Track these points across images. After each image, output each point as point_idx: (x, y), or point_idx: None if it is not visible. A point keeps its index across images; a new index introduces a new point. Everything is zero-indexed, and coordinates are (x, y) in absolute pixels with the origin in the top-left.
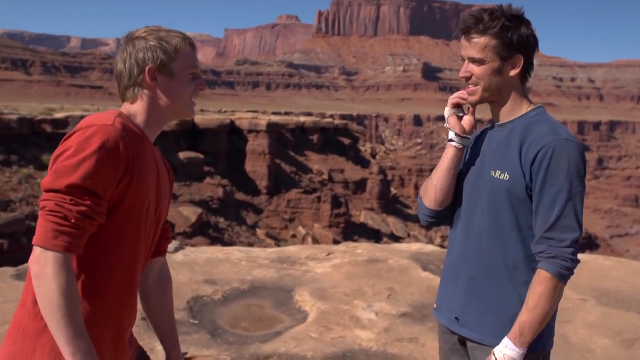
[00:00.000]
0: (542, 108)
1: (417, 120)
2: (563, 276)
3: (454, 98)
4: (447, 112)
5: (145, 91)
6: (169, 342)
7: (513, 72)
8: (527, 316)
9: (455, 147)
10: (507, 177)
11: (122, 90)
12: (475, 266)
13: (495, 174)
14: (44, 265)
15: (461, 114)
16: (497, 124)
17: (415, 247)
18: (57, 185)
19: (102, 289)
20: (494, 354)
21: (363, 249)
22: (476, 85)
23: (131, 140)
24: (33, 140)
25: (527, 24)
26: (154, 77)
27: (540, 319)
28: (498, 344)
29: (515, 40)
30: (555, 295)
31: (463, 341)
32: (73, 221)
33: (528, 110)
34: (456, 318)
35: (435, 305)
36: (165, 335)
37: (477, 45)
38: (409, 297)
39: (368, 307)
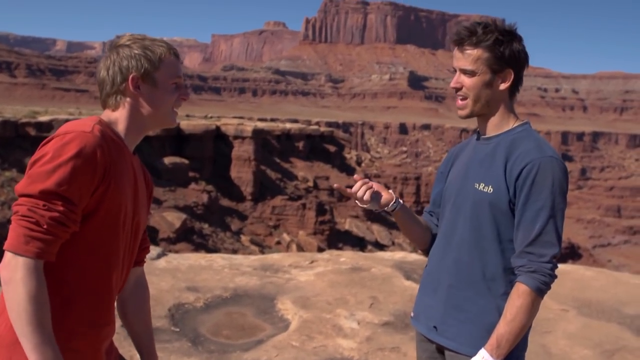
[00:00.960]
0: (528, 124)
1: (403, 129)
2: (541, 290)
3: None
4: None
5: (128, 99)
6: (146, 352)
7: (503, 86)
8: (505, 328)
9: (394, 212)
10: (490, 190)
11: (104, 97)
12: (455, 276)
13: (479, 187)
14: (14, 271)
15: (375, 208)
16: (484, 136)
17: (398, 255)
18: (30, 190)
19: (76, 297)
20: None
21: (346, 257)
22: (466, 97)
23: (109, 148)
24: (16, 143)
25: (519, 39)
26: (137, 85)
27: (517, 331)
28: (475, 353)
29: (507, 55)
30: (533, 308)
31: (441, 350)
32: (45, 227)
33: (514, 125)
34: (434, 327)
35: (412, 314)
36: (142, 345)
37: (470, 56)
38: (391, 305)
39: (350, 316)
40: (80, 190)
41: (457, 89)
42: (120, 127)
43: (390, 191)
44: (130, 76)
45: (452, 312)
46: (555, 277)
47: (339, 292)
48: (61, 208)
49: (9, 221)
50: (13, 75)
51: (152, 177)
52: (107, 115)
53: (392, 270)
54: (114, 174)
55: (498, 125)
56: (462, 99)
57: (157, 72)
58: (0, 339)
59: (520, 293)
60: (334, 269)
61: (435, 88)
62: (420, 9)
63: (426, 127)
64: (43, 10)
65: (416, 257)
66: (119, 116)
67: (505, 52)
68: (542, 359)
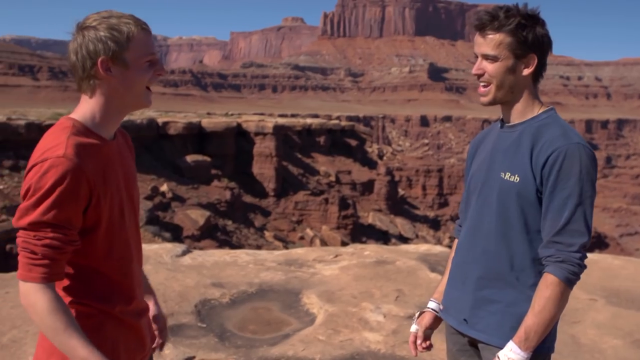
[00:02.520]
0: (553, 110)
1: (424, 121)
2: (570, 281)
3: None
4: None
5: (101, 83)
6: (147, 286)
7: (526, 71)
8: (533, 320)
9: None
10: (517, 179)
11: (78, 82)
12: (483, 267)
13: (505, 176)
14: (27, 296)
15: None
16: (508, 124)
17: (423, 248)
18: (21, 224)
19: (105, 288)
20: (499, 357)
21: (371, 250)
22: (489, 83)
23: (87, 158)
24: None
25: (542, 23)
26: (107, 68)
27: (546, 322)
28: (501, 343)
29: (530, 39)
30: (562, 299)
31: (473, 342)
32: (39, 255)
33: (539, 112)
34: (464, 319)
35: (441, 307)
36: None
37: (492, 41)
38: (417, 298)
39: (376, 309)
40: (66, 213)
41: (479, 76)
42: (98, 116)
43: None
44: (99, 60)
45: (482, 304)
46: (585, 267)
47: (364, 286)
48: (51, 234)
49: None
50: (36, 78)
51: (176, 177)
52: (84, 102)
53: (417, 263)
54: (100, 183)
55: (522, 112)
56: (484, 86)
57: (126, 53)
58: (41, 341)
59: (548, 284)
60: (359, 262)
61: (455, 79)
62: (438, 0)
63: (447, 118)
64: (63, 13)
65: (441, 249)
66: (94, 104)
67: (529, 36)
68: (572, 349)
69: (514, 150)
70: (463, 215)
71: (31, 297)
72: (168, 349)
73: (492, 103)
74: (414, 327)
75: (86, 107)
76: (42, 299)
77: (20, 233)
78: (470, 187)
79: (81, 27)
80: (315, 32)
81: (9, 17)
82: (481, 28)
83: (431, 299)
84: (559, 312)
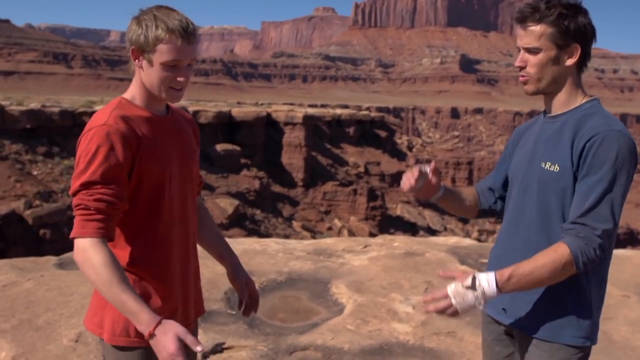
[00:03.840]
0: (596, 100)
1: (454, 113)
2: (578, 261)
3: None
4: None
5: (136, 69)
6: (221, 250)
7: (569, 62)
8: (526, 268)
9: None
10: (556, 169)
11: (128, 61)
12: (523, 257)
13: (545, 165)
14: (84, 251)
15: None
16: (550, 115)
17: (452, 240)
18: (74, 188)
19: (145, 259)
20: (476, 277)
21: (400, 241)
22: (531, 75)
23: (133, 127)
24: (74, 132)
25: (585, 12)
26: (137, 57)
27: (533, 280)
28: (545, 335)
29: (572, 29)
30: (560, 272)
31: (509, 332)
32: (92, 209)
33: (582, 102)
34: (503, 309)
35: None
36: (216, 246)
37: (533, 33)
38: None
39: (405, 300)
40: (113, 172)
41: (522, 68)
42: (138, 97)
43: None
44: (131, 49)
45: (521, 293)
46: (601, 257)
47: (393, 277)
48: (101, 190)
49: (69, 207)
50: (70, 66)
51: (206, 165)
52: (130, 87)
53: (447, 255)
54: (146, 151)
55: (565, 102)
56: (527, 77)
57: (152, 53)
58: (95, 299)
59: (557, 249)
60: (388, 253)
61: (487, 71)
62: None
63: (478, 110)
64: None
65: (470, 242)
66: (135, 86)
67: (570, 26)
68: (604, 345)
69: (555, 140)
70: (490, 181)
71: (88, 251)
72: (198, 335)
73: (535, 93)
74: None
75: (131, 87)
76: (99, 252)
77: (74, 197)
78: (512, 178)
79: (137, 15)
80: (347, 22)
81: (45, 5)
82: (522, 20)
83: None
84: (549, 281)
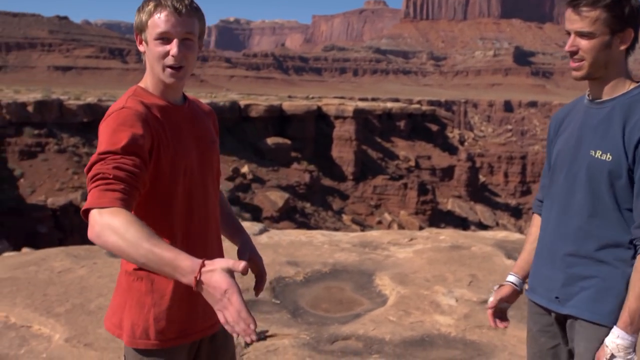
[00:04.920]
0: None
1: (508, 106)
2: None
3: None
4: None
5: (144, 55)
6: (233, 230)
7: (622, 47)
8: (635, 303)
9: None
10: (609, 158)
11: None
12: (573, 244)
13: (595, 154)
14: (101, 219)
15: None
16: (597, 100)
17: (500, 234)
18: (91, 159)
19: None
20: (606, 345)
21: (446, 235)
22: (582, 60)
23: (149, 112)
24: None
25: None
26: (139, 42)
27: None
28: (602, 320)
29: (627, 13)
30: None
31: (560, 320)
32: (111, 177)
33: (631, 87)
34: (556, 297)
35: (526, 286)
36: (228, 227)
37: (587, 18)
38: (491, 284)
39: (448, 293)
40: (133, 146)
41: (573, 53)
42: (150, 85)
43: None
44: (135, 35)
45: (574, 280)
46: None
47: (437, 270)
48: (121, 159)
49: None
50: (125, 61)
51: (257, 158)
52: (144, 76)
53: (493, 249)
54: (163, 135)
55: (613, 87)
56: (577, 61)
57: (145, 32)
58: (120, 286)
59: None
60: (433, 246)
61: (542, 63)
62: None
63: (533, 104)
64: None
65: (519, 236)
66: (147, 74)
67: (625, 10)
68: None
69: (604, 127)
70: (545, 190)
71: (105, 218)
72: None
73: (585, 78)
74: (490, 298)
75: (145, 76)
76: (120, 216)
77: (91, 170)
78: (557, 164)
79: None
80: (398, 14)
81: (101, 2)
82: (575, 4)
83: (511, 272)
84: None
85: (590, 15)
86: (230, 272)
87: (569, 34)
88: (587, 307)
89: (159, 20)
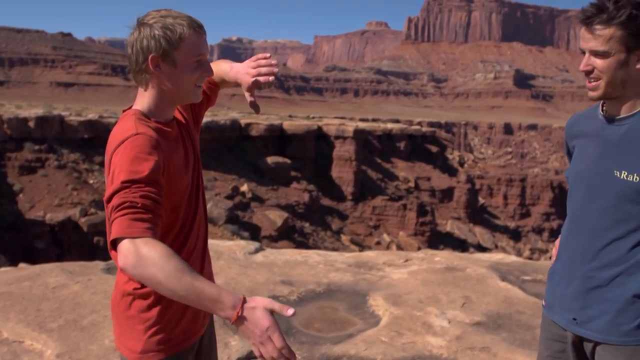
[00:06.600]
0: None
1: (508, 129)
2: None
3: None
4: None
5: (152, 77)
6: (222, 72)
7: (639, 64)
8: None
9: None
10: (637, 179)
11: (133, 74)
12: (592, 264)
13: (621, 175)
14: (135, 252)
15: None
16: (616, 117)
17: (496, 257)
18: (113, 187)
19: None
20: None
21: (441, 256)
22: (598, 79)
23: (159, 137)
24: None
25: None
26: (157, 65)
27: None
28: (624, 339)
29: None
30: None
31: (576, 343)
32: (140, 206)
33: None
34: (574, 319)
35: (544, 302)
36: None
37: (601, 36)
38: (484, 306)
39: (441, 314)
40: (153, 175)
41: (588, 72)
42: (153, 107)
43: None
44: (150, 57)
45: (593, 302)
46: None
47: (431, 291)
48: (146, 188)
49: None
50: (127, 78)
51: (256, 177)
52: (140, 100)
53: (488, 271)
54: (167, 159)
55: (632, 105)
56: (593, 81)
57: (176, 52)
58: (114, 305)
59: None
60: (428, 268)
61: (542, 87)
62: (527, 4)
63: (532, 127)
64: None
65: (515, 259)
66: (148, 97)
67: None
68: None
69: (626, 146)
70: None
71: (141, 249)
72: (234, 341)
73: (602, 98)
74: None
75: (143, 99)
76: (156, 247)
77: (114, 198)
78: (575, 183)
79: (140, 23)
80: (399, 36)
81: (103, 19)
82: (588, 22)
83: None
84: None
85: (604, 34)
86: (271, 312)
87: (583, 52)
88: (608, 328)
89: (195, 44)
